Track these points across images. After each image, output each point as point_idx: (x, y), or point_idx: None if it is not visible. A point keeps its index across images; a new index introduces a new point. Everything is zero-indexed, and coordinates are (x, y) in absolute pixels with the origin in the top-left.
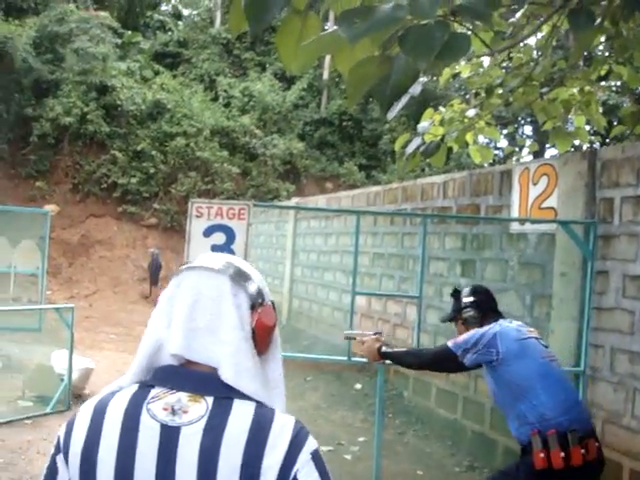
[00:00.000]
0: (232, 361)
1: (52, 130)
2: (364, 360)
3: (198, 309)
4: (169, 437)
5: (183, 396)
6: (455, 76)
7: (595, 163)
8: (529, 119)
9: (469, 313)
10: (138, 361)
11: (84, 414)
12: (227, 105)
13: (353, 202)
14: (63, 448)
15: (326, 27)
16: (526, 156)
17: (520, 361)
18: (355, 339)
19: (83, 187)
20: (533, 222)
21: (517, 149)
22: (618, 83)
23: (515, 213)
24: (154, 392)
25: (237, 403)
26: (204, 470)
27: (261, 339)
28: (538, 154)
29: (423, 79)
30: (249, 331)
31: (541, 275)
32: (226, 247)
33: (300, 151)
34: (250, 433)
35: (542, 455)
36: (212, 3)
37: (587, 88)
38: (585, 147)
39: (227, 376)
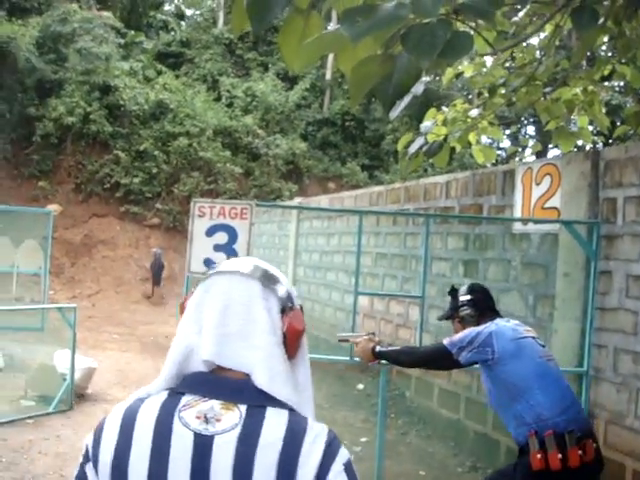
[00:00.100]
0: (265, 366)
1: (55, 130)
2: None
3: (229, 314)
4: (203, 446)
5: (216, 404)
6: (458, 76)
7: (598, 163)
8: (532, 119)
9: (466, 311)
10: (168, 368)
11: (112, 421)
12: (230, 105)
13: (356, 202)
14: (92, 457)
15: (329, 27)
16: (529, 156)
17: (516, 361)
18: (348, 341)
19: (86, 187)
20: (536, 222)
21: (520, 149)
22: (621, 83)
23: (518, 213)
24: (185, 400)
25: (270, 411)
26: (239, 479)
27: (291, 343)
28: (541, 154)
29: (426, 79)
30: (280, 336)
31: (544, 275)
32: (228, 247)
33: (303, 151)
34: (284, 442)
35: (539, 456)
36: (215, 3)
37: (590, 88)
38: (588, 147)
39: (261, 381)
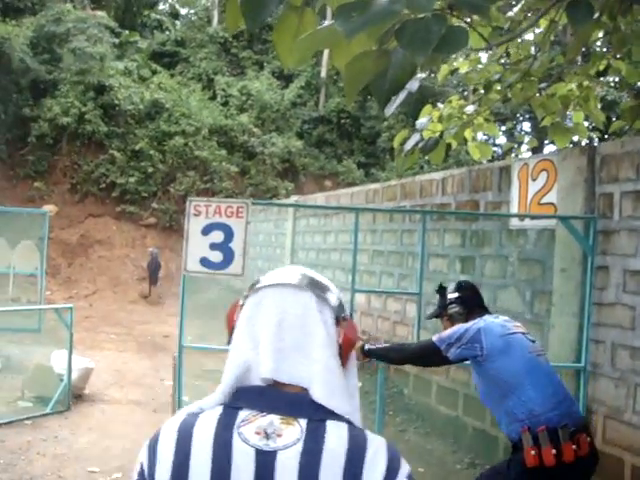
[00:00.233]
0: (324, 380)
1: (50, 130)
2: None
3: (285, 328)
4: (265, 462)
5: (275, 419)
6: (453, 72)
7: (594, 158)
8: (527, 115)
9: (454, 309)
10: (226, 384)
11: (167, 437)
12: (225, 104)
13: (352, 200)
14: (148, 475)
15: (324, 24)
16: (525, 152)
17: (505, 357)
18: None
19: (82, 187)
20: (533, 218)
21: (516, 145)
22: (616, 79)
23: (514, 209)
24: (243, 415)
25: (330, 424)
26: None
27: (346, 354)
28: (537, 150)
29: (421, 75)
30: (336, 348)
31: (541, 271)
32: (225, 245)
33: (299, 149)
34: (347, 456)
35: (533, 452)
36: (209, 2)
37: (586, 83)
38: (583, 143)
39: (319, 395)
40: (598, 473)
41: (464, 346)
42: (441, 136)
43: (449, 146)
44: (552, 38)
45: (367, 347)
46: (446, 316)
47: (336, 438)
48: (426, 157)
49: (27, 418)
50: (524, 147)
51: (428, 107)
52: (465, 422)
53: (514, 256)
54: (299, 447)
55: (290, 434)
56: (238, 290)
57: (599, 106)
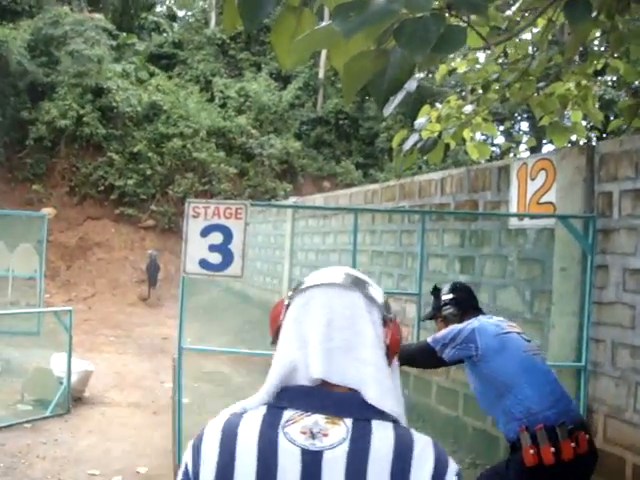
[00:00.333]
0: (376, 381)
1: (48, 133)
2: None
3: (334, 328)
4: (311, 462)
5: (320, 418)
6: (451, 72)
7: (593, 157)
8: (525, 115)
9: (449, 310)
10: (271, 383)
11: (211, 437)
12: (223, 106)
13: (351, 200)
14: (193, 475)
15: (322, 24)
16: (523, 152)
17: (500, 356)
18: None
19: (80, 190)
20: (532, 217)
21: (514, 145)
22: (614, 78)
23: (514, 209)
24: (288, 414)
25: (375, 424)
26: None
27: (393, 354)
28: (535, 150)
29: (419, 75)
30: (384, 348)
31: (541, 270)
32: (224, 247)
33: (297, 150)
34: (394, 455)
35: (532, 451)
36: (207, 4)
37: (584, 82)
38: (581, 142)
39: (371, 396)
40: (599, 472)
41: (459, 346)
42: (439, 136)
43: (447, 146)
44: (550, 37)
45: None
46: (440, 317)
47: (382, 437)
48: (424, 157)
49: (27, 421)
50: (522, 147)
51: (426, 107)
52: (465, 422)
53: (513, 256)
54: (345, 447)
55: (336, 434)
56: (237, 292)
57: (597, 105)
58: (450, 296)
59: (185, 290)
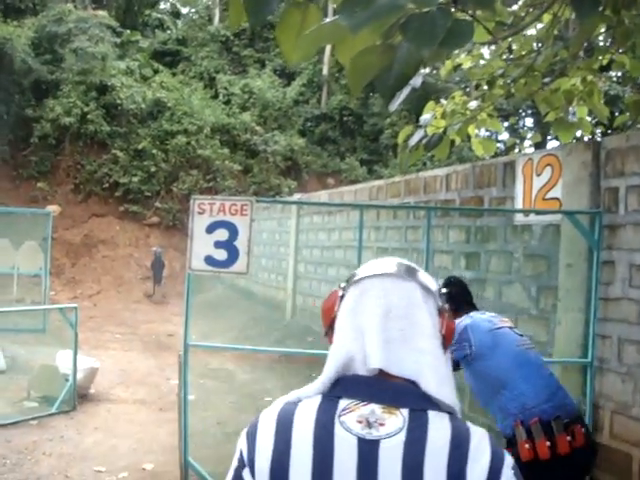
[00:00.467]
0: (434, 371)
1: (53, 131)
2: None
3: (392, 318)
4: (368, 451)
5: (376, 408)
6: (456, 68)
7: (599, 152)
8: (530, 111)
9: None
10: (327, 374)
11: (266, 425)
12: (227, 102)
13: (356, 197)
14: (248, 462)
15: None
16: (528, 148)
17: (494, 352)
18: None
19: (85, 187)
20: (538, 213)
21: (518, 141)
22: (619, 74)
23: (519, 204)
24: (343, 404)
25: (432, 415)
26: None
27: (447, 343)
28: (540, 146)
29: (424, 71)
30: (440, 338)
31: (546, 266)
32: (229, 243)
33: (301, 147)
34: (451, 446)
35: (527, 446)
36: (210, 0)
37: (589, 78)
38: (586, 138)
39: (429, 387)
40: (606, 468)
41: (453, 348)
42: (444, 132)
43: (452, 142)
44: (555, 32)
45: None
46: None
47: (439, 428)
48: (429, 153)
49: (33, 418)
50: (527, 143)
51: (431, 103)
52: (471, 418)
53: (519, 252)
54: (402, 436)
55: (393, 423)
56: (242, 289)
57: (602, 101)
58: (443, 290)
59: (190, 287)
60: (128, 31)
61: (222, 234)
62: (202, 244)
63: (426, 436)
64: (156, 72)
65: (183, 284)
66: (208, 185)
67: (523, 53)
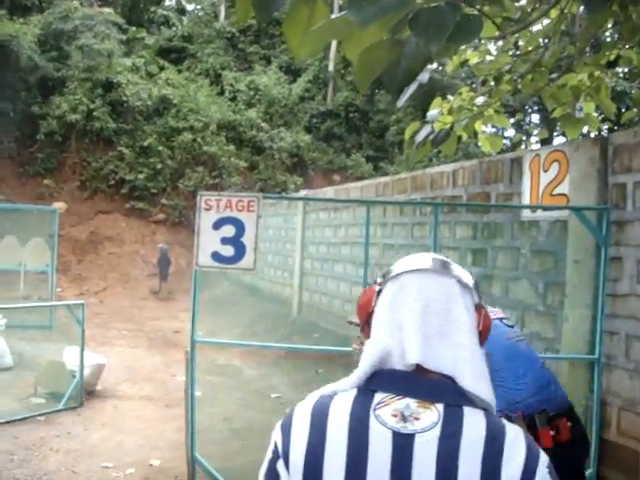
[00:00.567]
0: (471, 367)
1: (59, 128)
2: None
3: (430, 314)
4: (403, 445)
5: (411, 402)
6: (463, 64)
7: (607, 148)
8: (536, 107)
9: None
10: (363, 368)
11: (301, 418)
12: (233, 99)
13: (362, 193)
14: (282, 454)
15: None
16: (534, 144)
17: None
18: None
19: (91, 184)
20: (545, 209)
21: (525, 137)
22: (626, 69)
23: (526, 200)
24: (379, 397)
25: (467, 410)
26: (443, 479)
27: (483, 340)
28: (546, 142)
29: (431, 67)
30: (477, 334)
31: (554, 262)
32: (236, 240)
33: (307, 144)
34: (486, 442)
35: None
36: None
37: (597, 74)
38: (593, 135)
39: (467, 382)
40: (613, 465)
41: None
42: (451, 128)
43: (459, 138)
44: (562, 28)
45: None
46: None
47: (474, 424)
48: (435, 150)
49: (40, 414)
50: (533, 139)
51: (438, 99)
52: None
53: (526, 248)
54: (437, 431)
55: (428, 418)
56: (248, 285)
57: (609, 97)
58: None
59: (198, 283)
60: (134, 28)
61: (229, 230)
62: (209, 240)
63: (461, 431)
64: (162, 69)
65: (189, 281)
66: (214, 182)
67: (530, 49)
